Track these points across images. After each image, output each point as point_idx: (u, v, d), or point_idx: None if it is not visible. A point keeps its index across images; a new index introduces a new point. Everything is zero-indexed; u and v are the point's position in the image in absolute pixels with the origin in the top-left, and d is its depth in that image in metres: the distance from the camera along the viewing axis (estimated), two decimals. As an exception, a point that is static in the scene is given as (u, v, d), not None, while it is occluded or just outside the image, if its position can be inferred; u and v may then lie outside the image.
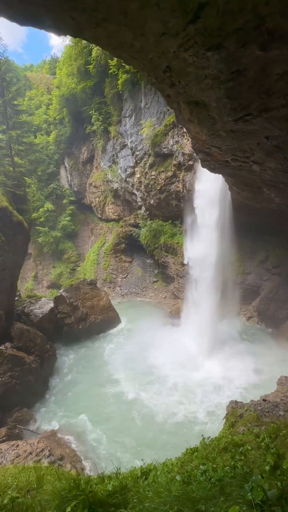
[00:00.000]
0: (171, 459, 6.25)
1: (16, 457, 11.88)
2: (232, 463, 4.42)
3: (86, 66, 35.41)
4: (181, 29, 3.51)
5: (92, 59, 34.02)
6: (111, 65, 30.63)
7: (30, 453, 12.02)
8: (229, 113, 5.70)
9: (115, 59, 29.23)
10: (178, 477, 3.70)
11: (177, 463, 5.58)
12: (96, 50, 32.70)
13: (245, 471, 3.94)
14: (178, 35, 3.65)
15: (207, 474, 3.77)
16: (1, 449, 12.12)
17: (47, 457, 11.95)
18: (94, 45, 33.38)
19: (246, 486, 3.06)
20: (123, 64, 27.85)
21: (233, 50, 3.79)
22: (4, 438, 13.14)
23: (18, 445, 12.46)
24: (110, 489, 3.25)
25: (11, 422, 14.10)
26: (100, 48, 32.37)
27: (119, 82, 30.65)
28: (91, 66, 34.41)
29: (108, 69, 31.55)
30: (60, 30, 3.98)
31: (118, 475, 4.11)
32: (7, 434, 13.44)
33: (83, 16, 3.53)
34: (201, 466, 4.05)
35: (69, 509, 2.56)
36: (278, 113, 5.55)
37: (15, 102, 24.17)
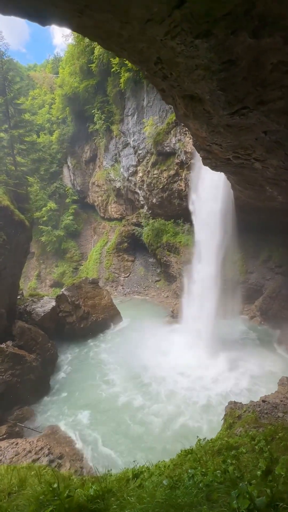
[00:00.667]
0: (164, 460, 6.13)
1: (15, 455, 11.86)
2: (224, 467, 4.28)
3: (89, 65, 35.39)
4: (166, 15, 3.35)
5: (94, 57, 33.99)
6: (114, 64, 30.53)
7: (29, 452, 11.99)
8: (224, 107, 5.52)
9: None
10: (165, 482, 3.58)
11: (169, 466, 5.47)
12: (98, 49, 32.64)
13: (236, 476, 3.79)
14: (164, 22, 3.49)
15: (195, 478, 3.64)
16: (1, 447, 12.13)
17: (46, 456, 11.90)
18: (96, 43, 33.36)
19: (233, 493, 2.92)
20: (126, 62, 27.75)
21: (222, 37, 3.62)
22: (4, 436, 13.15)
23: (17, 443, 12.45)
24: (91, 493, 3.15)
25: (12, 420, 14.12)
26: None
27: (122, 80, 30.53)
28: (94, 65, 34.37)
29: (110, 67, 31.47)
30: (45, 19, 3.86)
31: (104, 478, 3.99)
32: (7, 432, 13.45)
33: (65, 3, 3.41)
34: (189, 470, 3.92)
35: (44, 514, 2.47)
36: (275, 106, 5.35)
37: (17, 101, 24.21)
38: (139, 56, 4.79)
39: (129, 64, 27.69)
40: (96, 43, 4.79)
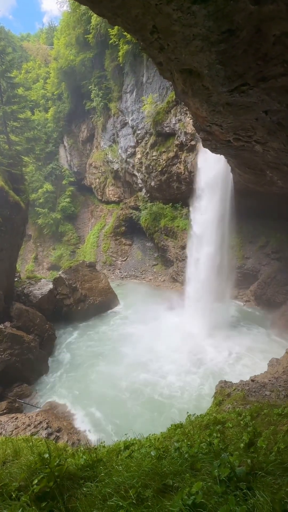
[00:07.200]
0: (155, 434, 6.48)
1: (15, 428, 12.40)
2: (209, 440, 4.53)
3: (85, 36, 33.30)
4: (161, -24, 3.08)
5: (91, 27, 31.91)
6: (112, 35, 28.72)
7: (29, 425, 12.54)
8: (223, 83, 5.25)
9: (116, 27, 27.30)
10: (152, 453, 3.81)
11: (159, 438, 5.78)
12: (95, 18, 30.54)
13: (220, 448, 4.02)
14: (158, -16, 3.22)
15: (181, 450, 3.86)
16: (1, 421, 12.65)
17: (45, 429, 12.45)
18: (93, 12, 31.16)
19: (215, 462, 3.10)
20: (125, 33, 26.03)
21: (222, 3, 3.36)
22: (4, 411, 13.68)
23: (17, 417, 12.99)
24: (82, 462, 3.35)
25: (11, 397, 14.65)
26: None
27: (120, 53, 28.88)
28: (91, 36, 32.34)
29: (108, 39, 29.62)
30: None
31: (95, 449, 4.22)
32: (7, 407, 13.99)
33: None
34: (175, 443, 4.14)
35: (36, 481, 2.64)
36: (276, 83, 5.09)
37: (10, 75, 22.92)
38: (134, 24, 4.47)
39: (128, 36, 26.04)
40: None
